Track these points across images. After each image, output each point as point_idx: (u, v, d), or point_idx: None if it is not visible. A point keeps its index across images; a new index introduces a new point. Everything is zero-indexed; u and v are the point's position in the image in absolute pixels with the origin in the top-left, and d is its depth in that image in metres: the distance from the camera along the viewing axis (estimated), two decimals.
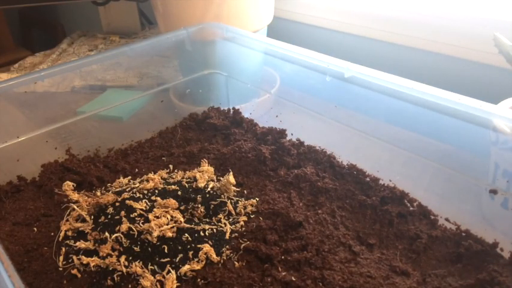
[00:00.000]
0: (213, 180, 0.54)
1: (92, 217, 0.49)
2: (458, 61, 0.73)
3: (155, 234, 0.45)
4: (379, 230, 0.50)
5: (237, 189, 0.54)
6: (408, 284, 0.42)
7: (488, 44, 0.56)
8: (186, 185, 0.53)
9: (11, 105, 0.62)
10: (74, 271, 0.44)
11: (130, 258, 0.44)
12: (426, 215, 0.51)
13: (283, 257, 0.45)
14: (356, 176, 0.57)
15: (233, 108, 0.73)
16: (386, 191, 0.54)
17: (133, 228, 0.45)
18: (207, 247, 0.44)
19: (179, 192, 0.51)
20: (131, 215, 0.47)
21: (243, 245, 0.46)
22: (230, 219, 0.50)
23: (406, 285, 0.42)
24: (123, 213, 0.47)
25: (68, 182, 0.52)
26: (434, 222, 0.51)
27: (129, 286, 0.42)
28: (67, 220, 0.49)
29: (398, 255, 0.46)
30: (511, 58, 0.52)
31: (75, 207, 0.50)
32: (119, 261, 0.44)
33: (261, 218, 0.50)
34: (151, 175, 0.55)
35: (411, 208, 0.52)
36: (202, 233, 0.47)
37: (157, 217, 0.47)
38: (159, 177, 0.54)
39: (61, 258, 0.46)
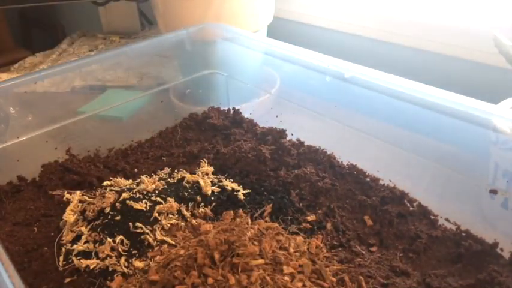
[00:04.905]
0: (214, 184, 0.54)
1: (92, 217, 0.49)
2: (458, 61, 0.73)
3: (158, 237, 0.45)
4: (379, 230, 0.50)
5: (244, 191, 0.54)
6: (408, 284, 0.42)
7: (488, 44, 0.56)
8: (187, 185, 0.53)
9: (11, 105, 0.62)
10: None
11: (130, 260, 0.44)
12: (426, 215, 0.51)
13: None
14: (356, 176, 0.57)
15: (233, 108, 0.73)
16: (387, 191, 0.54)
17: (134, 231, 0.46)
18: None
19: (180, 193, 0.51)
20: (131, 216, 0.47)
21: None
22: None
23: (406, 285, 0.42)
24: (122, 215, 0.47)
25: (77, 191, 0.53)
26: (434, 222, 0.51)
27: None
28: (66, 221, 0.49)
29: (398, 255, 0.46)
30: (511, 58, 0.52)
31: (73, 209, 0.50)
32: (119, 262, 0.44)
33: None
34: (148, 178, 0.54)
35: (411, 208, 0.52)
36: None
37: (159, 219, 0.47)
38: (157, 178, 0.54)
39: (61, 258, 0.46)
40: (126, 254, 0.45)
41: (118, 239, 0.45)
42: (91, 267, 0.44)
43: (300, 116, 0.65)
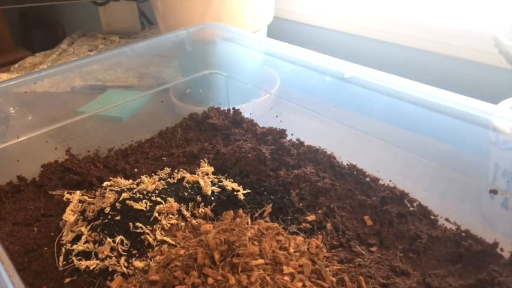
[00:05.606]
0: (214, 184, 0.54)
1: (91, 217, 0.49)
2: (458, 61, 0.73)
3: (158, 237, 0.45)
4: (379, 230, 0.50)
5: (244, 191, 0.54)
6: (408, 284, 0.42)
7: (488, 44, 0.56)
8: (187, 185, 0.53)
9: (11, 105, 0.62)
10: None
11: (130, 260, 0.44)
12: (426, 215, 0.51)
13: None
14: (356, 176, 0.57)
15: (233, 108, 0.73)
16: (387, 191, 0.54)
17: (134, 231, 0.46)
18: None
19: (180, 193, 0.51)
20: (131, 216, 0.47)
21: None
22: None
23: (406, 285, 0.42)
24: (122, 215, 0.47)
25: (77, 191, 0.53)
26: (434, 222, 0.51)
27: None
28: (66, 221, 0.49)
29: (398, 255, 0.46)
30: (511, 58, 0.52)
31: (73, 209, 0.50)
32: (119, 262, 0.44)
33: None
34: (148, 178, 0.54)
35: (411, 208, 0.52)
36: None
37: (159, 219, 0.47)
38: (157, 178, 0.54)
39: (61, 258, 0.46)
40: (126, 254, 0.45)
41: (118, 239, 0.45)
42: (91, 268, 0.44)
43: (300, 116, 0.65)
